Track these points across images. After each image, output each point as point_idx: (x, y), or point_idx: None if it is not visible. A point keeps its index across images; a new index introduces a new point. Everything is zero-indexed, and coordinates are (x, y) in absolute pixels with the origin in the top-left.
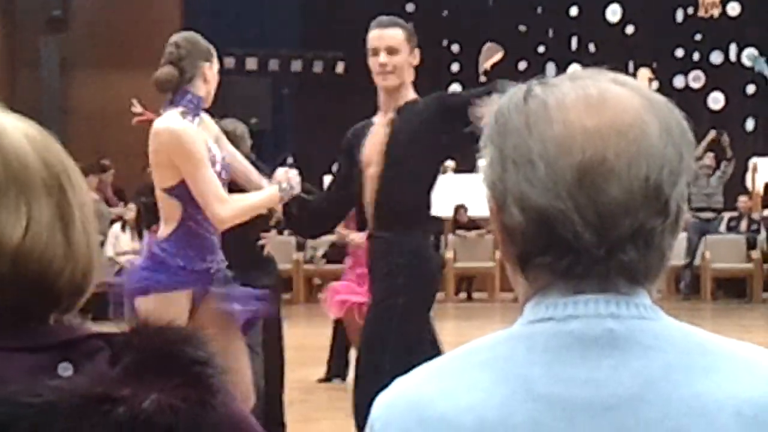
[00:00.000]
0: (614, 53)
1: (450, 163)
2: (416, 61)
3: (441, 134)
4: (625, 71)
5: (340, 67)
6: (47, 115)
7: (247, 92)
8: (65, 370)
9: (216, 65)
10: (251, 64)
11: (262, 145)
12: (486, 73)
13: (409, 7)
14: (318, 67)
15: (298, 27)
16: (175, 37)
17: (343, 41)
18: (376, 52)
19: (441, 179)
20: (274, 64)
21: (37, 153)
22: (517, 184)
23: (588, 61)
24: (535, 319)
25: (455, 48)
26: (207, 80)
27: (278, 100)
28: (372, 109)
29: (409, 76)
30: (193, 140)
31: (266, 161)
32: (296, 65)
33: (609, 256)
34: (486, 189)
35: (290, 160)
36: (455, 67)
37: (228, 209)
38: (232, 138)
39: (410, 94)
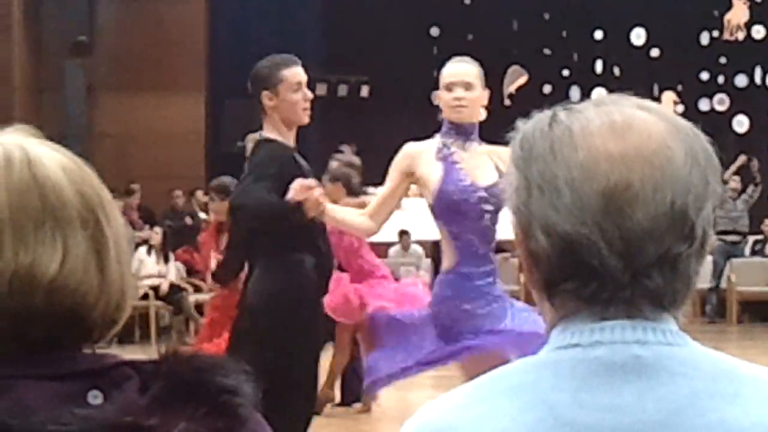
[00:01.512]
0: (639, 77)
1: None
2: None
3: None
4: (650, 95)
5: (364, 91)
6: (72, 138)
7: None
8: (95, 398)
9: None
10: None
11: None
12: (510, 96)
13: (434, 31)
14: (343, 90)
15: (323, 50)
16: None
17: (368, 65)
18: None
19: None
20: None
21: (74, 185)
22: (542, 210)
23: (613, 84)
24: (561, 346)
25: None
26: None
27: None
28: (397, 131)
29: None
30: None
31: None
32: (321, 89)
33: (635, 282)
34: (511, 215)
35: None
36: None
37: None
38: None
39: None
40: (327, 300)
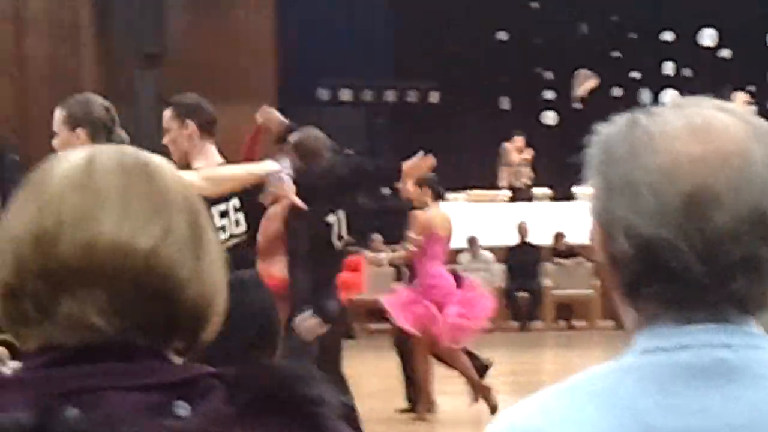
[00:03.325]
0: (709, 78)
1: (547, 191)
2: None
3: None
4: (721, 95)
5: (434, 97)
6: (144, 148)
7: (341, 123)
8: (182, 409)
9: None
10: (345, 95)
11: None
12: (581, 100)
13: (502, 35)
14: (412, 96)
15: (392, 57)
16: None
17: (437, 71)
18: None
19: (539, 207)
20: (368, 95)
21: (180, 183)
22: (623, 214)
23: (683, 86)
24: (645, 350)
25: (548, 75)
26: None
27: (372, 131)
28: (466, 137)
29: None
30: None
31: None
32: (390, 95)
33: (718, 285)
34: (592, 219)
35: (386, 190)
36: (549, 95)
37: (207, 177)
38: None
39: None
40: (405, 316)
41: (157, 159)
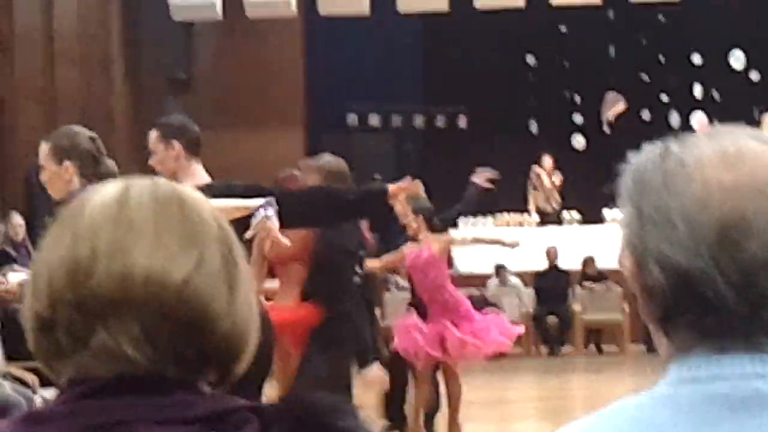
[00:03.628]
0: (739, 100)
1: (576, 215)
2: None
3: None
4: (750, 118)
5: (462, 121)
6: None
7: (370, 148)
8: None
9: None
10: (374, 120)
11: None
12: (610, 123)
13: (530, 59)
14: (441, 121)
15: (420, 82)
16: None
17: (466, 95)
18: None
19: (568, 231)
20: (396, 120)
21: (213, 214)
22: (656, 243)
23: (712, 108)
24: (679, 380)
25: (577, 99)
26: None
27: (401, 156)
28: (495, 160)
29: None
30: None
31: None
32: (419, 120)
33: (752, 315)
34: (624, 248)
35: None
36: (578, 119)
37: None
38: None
39: None
40: (422, 339)
41: (190, 191)
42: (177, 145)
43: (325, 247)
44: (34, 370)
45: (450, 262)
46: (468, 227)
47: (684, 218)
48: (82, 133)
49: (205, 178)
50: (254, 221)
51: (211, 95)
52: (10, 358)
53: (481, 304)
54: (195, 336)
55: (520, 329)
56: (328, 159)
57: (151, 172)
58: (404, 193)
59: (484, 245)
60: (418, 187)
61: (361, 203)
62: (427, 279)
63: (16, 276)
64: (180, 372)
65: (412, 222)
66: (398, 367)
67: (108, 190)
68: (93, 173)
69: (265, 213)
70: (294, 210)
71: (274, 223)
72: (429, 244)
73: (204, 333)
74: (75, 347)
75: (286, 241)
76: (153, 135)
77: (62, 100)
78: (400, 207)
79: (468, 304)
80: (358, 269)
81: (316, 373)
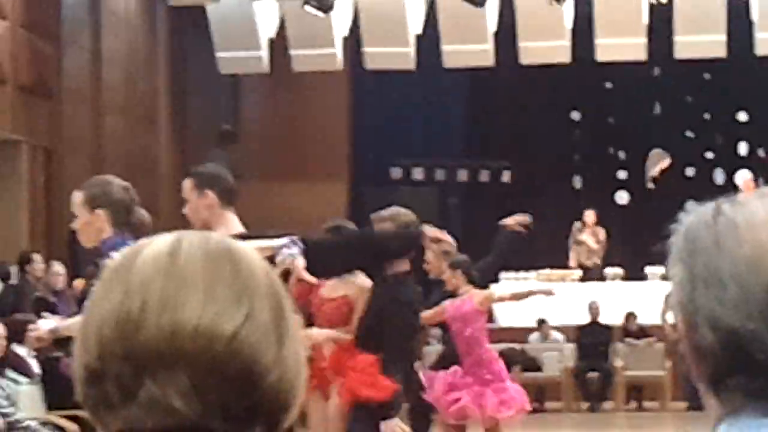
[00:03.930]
0: None
1: (619, 271)
2: None
3: None
4: None
5: (506, 176)
6: None
7: (413, 202)
8: None
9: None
10: (418, 174)
11: None
12: (654, 180)
13: (575, 115)
14: (484, 176)
15: (464, 136)
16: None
17: (509, 150)
18: None
19: (610, 287)
20: (440, 174)
21: (264, 270)
22: (707, 305)
23: (757, 166)
24: None
25: (622, 155)
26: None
27: (445, 210)
28: (538, 216)
29: None
30: None
31: None
32: (462, 174)
33: None
34: (676, 309)
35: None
36: (622, 174)
37: None
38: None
39: None
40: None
41: (241, 245)
42: (210, 194)
43: (394, 305)
44: (75, 419)
45: (490, 317)
46: (510, 282)
47: (735, 280)
48: (116, 182)
49: (238, 228)
50: (279, 259)
51: (256, 147)
52: (51, 406)
53: (519, 358)
54: (244, 389)
55: (525, 405)
56: (399, 210)
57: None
58: (440, 241)
59: (522, 300)
60: (449, 243)
61: (394, 240)
62: (465, 331)
63: (47, 323)
64: (227, 425)
65: (451, 278)
66: (421, 417)
67: (159, 243)
68: (125, 222)
69: (290, 251)
70: (331, 256)
71: (300, 261)
72: (471, 297)
73: (253, 386)
74: (123, 399)
75: (311, 278)
76: (187, 184)
77: (108, 152)
78: (433, 256)
79: (501, 364)
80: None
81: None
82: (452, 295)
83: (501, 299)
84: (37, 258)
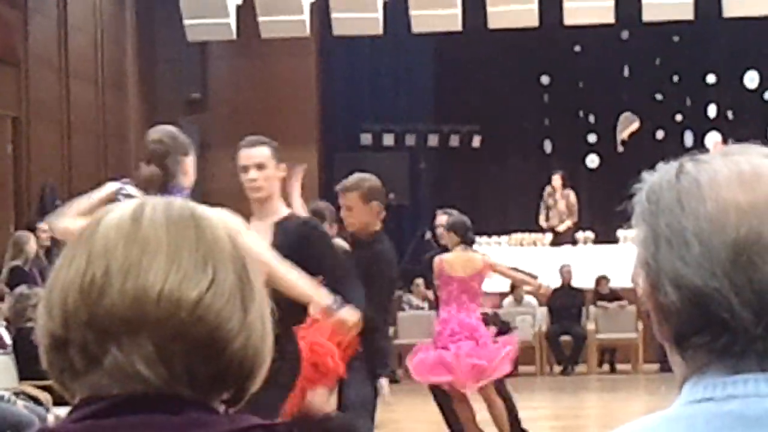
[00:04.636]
0: (753, 120)
1: (590, 235)
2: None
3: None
4: (764, 137)
5: (476, 141)
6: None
7: (384, 168)
8: None
9: (193, 157)
10: (388, 140)
11: (400, 220)
12: (623, 143)
13: (544, 79)
14: (454, 141)
15: (434, 102)
16: (160, 133)
17: (479, 114)
18: (245, 170)
19: (581, 251)
20: (410, 140)
21: (230, 237)
22: (671, 264)
23: (726, 128)
24: (694, 400)
25: (591, 119)
26: (188, 173)
27: (415, 175)
28: (509, 181)
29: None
30: (229, 216)
31: (404, 236)
32: (433, 140)
33: (767, 335)
34: (639, 268)
35: (428, 235)
36: (592, 138)
37: (287, 271)
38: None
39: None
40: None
41: (204, 209)
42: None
43: (380, 271)
44: (47, 389)
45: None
46: (482, 246)
47: (699, 238)
48: None
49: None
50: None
51: (224, 114)
52: (23, 376)
53: (494, 322)
54: (209, 355)
55: (514, 341)
56: (362, 177)
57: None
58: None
59: (515, 281)
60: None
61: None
62: (472, 286)
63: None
64: (193, 391)
65: (446, 239)
66: (441, 396)
67: (122, 208)
68: None
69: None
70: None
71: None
72: (492, 265)
73: (218, 352)
74: (88, 366)
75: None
76: (265, 151)
77: (77, 119)
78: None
79: (484, 329)
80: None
81: (363, 393)
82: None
83: (503, 272)
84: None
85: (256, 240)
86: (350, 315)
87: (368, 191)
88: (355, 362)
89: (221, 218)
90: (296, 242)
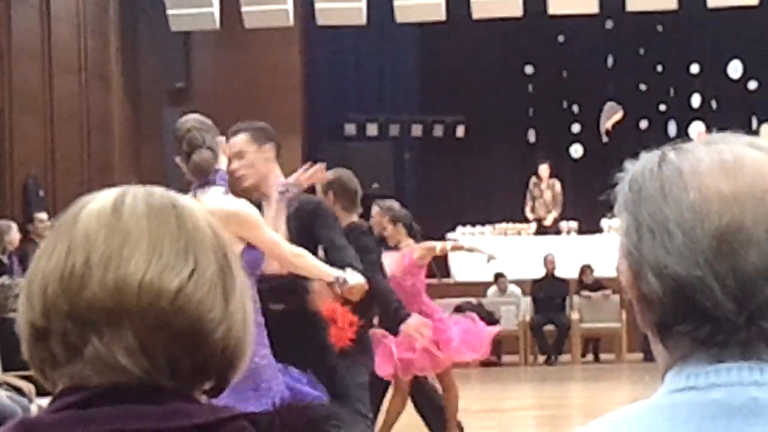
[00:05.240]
0: (736, 110)
1: (574, 224)
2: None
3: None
4: (748, 128)
5: (460, 131)
6: (172, 185)
7: (368, 158)
8: None
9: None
10: (372, 129)
11: None
12: (608, 132)
13: (528, 69)
14: (438, 131)
15: (418, 92)
16: (189, 122)
17: (463, 104)
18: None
19: (565, 240)
20: (394, 130)
21: (211, 226)
22: (653, 253)
23: (710, 118)
24: (677, 389)
25: (575, 109)
26: (225, 154)
27: (399, 165)
28: (493, 171)
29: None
30: (250, 212)
31: None
32: (417, 130)
33: (750, 324)
34: (622, 257)
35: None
36: (576, 128)
37: (296, 255)
38: None
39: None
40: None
41: (185, 199)
42: (269, 148)
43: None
44: (30, 379)
45: (447, 272)
46: (466, 236)
47: (681, 227)
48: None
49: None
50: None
51: (208, 105)
52: (6, 367)
53: (477, 312)
54: (190, 345)
55: (493, 330)
56: (341, 173)
57: (147, 181)
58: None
59: (462, 252)
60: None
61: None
62: (405, 286)
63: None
64: (175, 381)
65: (393, 232)
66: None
67: (103, 197)
68: None
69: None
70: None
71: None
72: (411, 251)
73: (199, 342)
74: (69, 356)
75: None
76: (242, 137)
77: (60, 111)
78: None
79: (441, 314)
80: None
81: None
82: (396, 248)
83: (443, 251)
84: None
85: (270, 232)
86: (355, 278)
87: (343, 189)
88: (351, 351)
89: (202, 208)
90: (299, 217)
